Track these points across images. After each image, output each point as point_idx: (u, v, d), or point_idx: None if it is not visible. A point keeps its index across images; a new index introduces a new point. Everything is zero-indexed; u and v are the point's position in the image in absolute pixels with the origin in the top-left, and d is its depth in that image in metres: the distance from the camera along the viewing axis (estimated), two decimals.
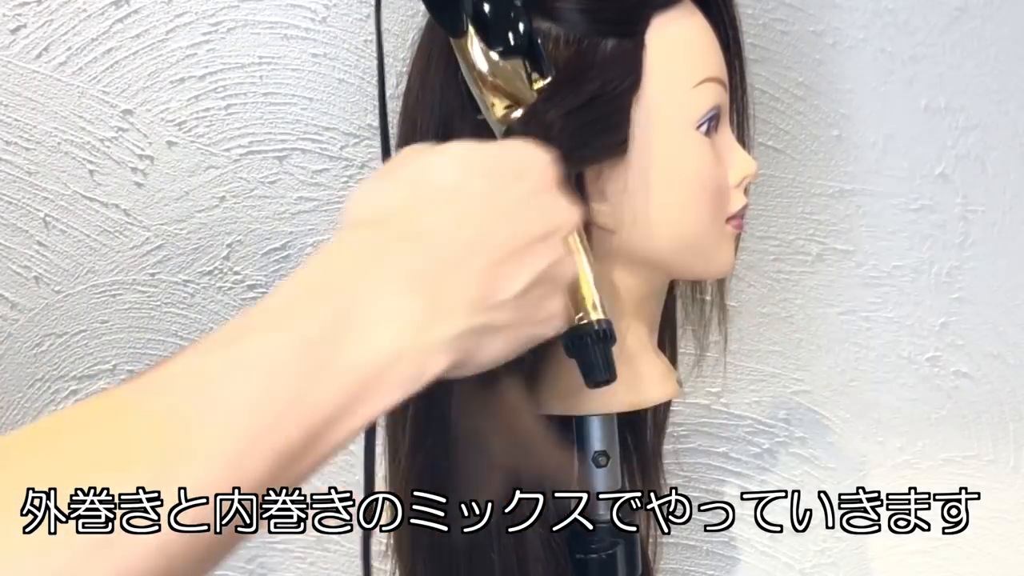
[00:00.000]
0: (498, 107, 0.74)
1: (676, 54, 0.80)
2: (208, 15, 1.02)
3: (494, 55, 0.74)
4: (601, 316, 0.70)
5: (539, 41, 0.75)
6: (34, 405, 1.06)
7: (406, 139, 0.84)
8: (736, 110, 0.88)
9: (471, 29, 0.74)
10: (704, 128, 0.81)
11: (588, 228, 0.80)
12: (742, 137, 0.89)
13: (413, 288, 0.55)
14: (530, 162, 0.62)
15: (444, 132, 0.81)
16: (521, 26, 0.74)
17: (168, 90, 1.03)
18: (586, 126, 0.77)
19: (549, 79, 0.75)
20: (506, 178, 0.61)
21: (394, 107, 1.01)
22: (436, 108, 0.80)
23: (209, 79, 1.03)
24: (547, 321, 0.62)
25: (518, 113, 0.74)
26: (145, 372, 0.51)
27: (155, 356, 1.06)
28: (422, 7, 0.99)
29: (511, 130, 0.74)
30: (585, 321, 0.70)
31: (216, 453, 0.49)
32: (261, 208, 1.05)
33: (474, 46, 0.74)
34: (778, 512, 1.17)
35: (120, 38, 1.01)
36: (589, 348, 0.70)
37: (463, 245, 0.57)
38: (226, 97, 1.03)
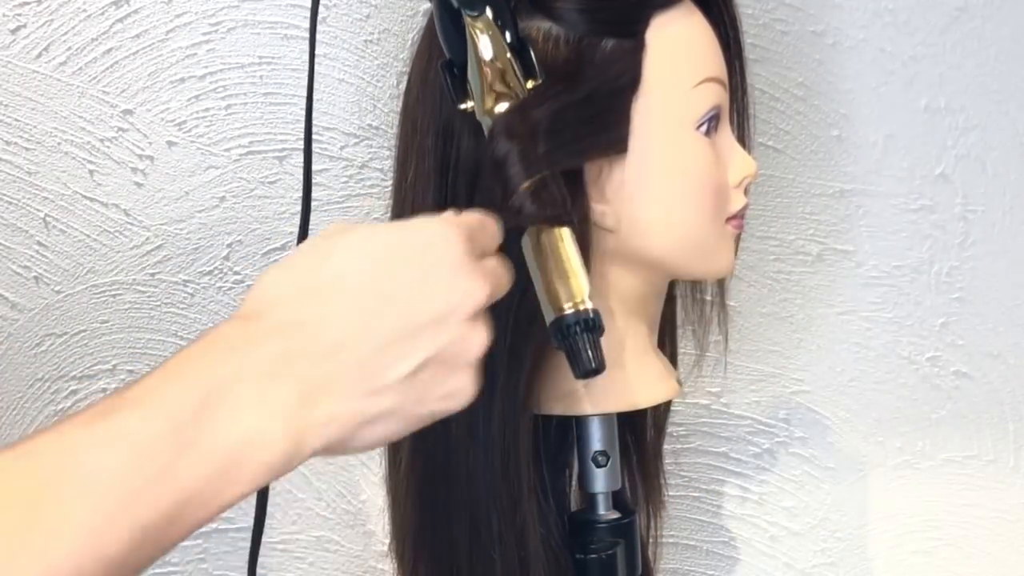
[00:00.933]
0: (488, 99, 0.74)
1: (676, 54, 0.80)
2: (208, 15, 1.02)
3: (502, 44, 0.74)
4: (588, 306, 0.70)
5: (528, 45, 0.75)
6: (34, 405, 1.06)
7: (406, 139, 0.84)
8: (736, 110, 0.88)
9: (488, 12, 0.74)
10: (704, 128, 0.81)
11: (588, 227, 0.80)
12: (742, 137, 0.89)
13: (280, 374, 0.57)
14: (431, 242, 0.62)
15: (444, 132, 0.81)
16: (512, 25, 0.74)
17: (168, 90, 1.03)
18: (578, 124, 0.77)
19: (539, 81, 0.75)
20: (402, 262, 0.61)
21: (394, 107, 1.01)
22: (436, 108, 0.80)
23: (209, 79, 1.03)
24: (446, 399, 0.62)
25: (503, 107, 0.74)
26: (20, 440, 0.53)
27: (155, 356, 1.06)
28: (422, 7, 0.99)
29: (495, 124, 0.74)
30: (572, 311, 0.70)
31: (77, 524, 0.50)
32: (261, 208, 1.05)
33: (485, 31, 0.74)
34: (778, 512, 1.18)
35: (120, 38, 1.01)
36: (576, 338, 0.69)
37: (342, 331, 0.59)
38: (226, 97, 1.03)
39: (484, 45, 0.74)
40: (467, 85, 0.76)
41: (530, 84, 0.75)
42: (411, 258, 0.61)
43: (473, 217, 0.65)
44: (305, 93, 1.03)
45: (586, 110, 0.77)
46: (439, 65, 0.77)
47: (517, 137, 0.73)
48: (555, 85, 0.76)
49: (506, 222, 0.72)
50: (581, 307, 0.70)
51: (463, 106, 0.76)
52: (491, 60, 0.74)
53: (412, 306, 0.60)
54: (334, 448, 0.59)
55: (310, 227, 1.05)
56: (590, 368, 0.69)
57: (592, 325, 0.70)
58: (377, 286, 0.60)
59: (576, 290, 0.70)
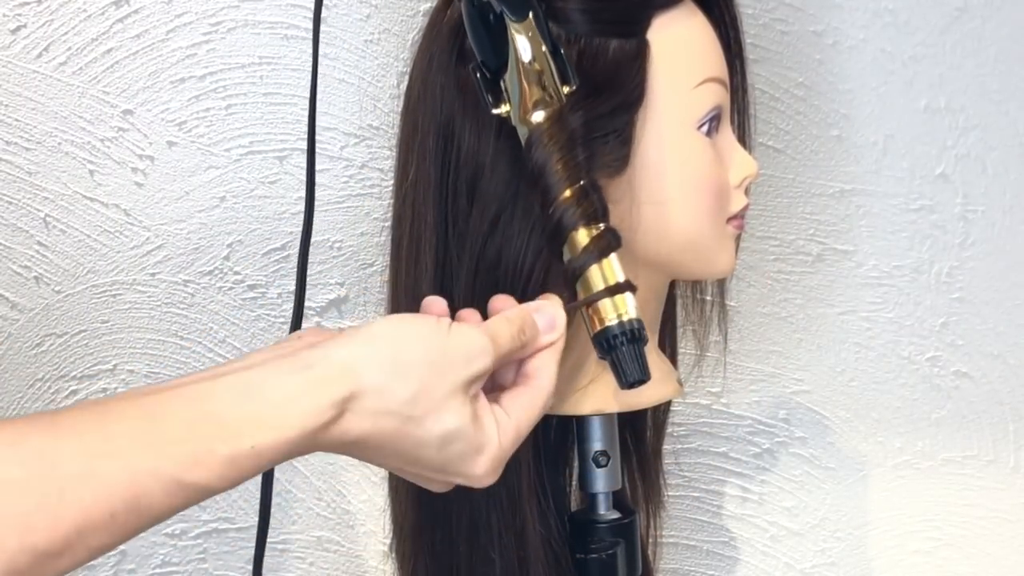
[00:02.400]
0: (527, 104, 0.74)
1: (677, 54, 0.80)
2: (208, 15, 1.02)
3: (541, 46, 0.73)
4: (633, 315, 0.71)
5: (561, 49, 0.75)
6: (34, 405, 1.06)
7: (407, 138, 0.84)
8: (737, 110, 0.88)
9: (531, 16, 0.73)
10: (705, 128, 0.81)
11: None
12: (743, 137, 0.89)
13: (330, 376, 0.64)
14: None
15: (445, 132, 0.81)
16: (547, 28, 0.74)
17: (168, 90, 1.03)
18: (603, 136, 0.77)
19: (574, 87, 0.75)
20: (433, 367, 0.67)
21: (394, 107, 1.01)
22: (437, 108, 0.80)
23: (209, 79, 1.03)
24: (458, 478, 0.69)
25: (539, 116, 0.74)
26: None
27: (155, 356, 1.06)
28: (422, 7, 0.99)
29: (533, 131, 0.73)
30: (616, 322, 0.71)
31: None
32: (261, 208, 1.05)
33: (524, 33, 0.74)
34: (778, 512, 1.18)
35: (120, 38, 1.01)
36: (622, 349, 0.71)
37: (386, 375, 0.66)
38: (226, 97, 1.03)
39: (523, 47, 0.74)
40: (502, 89, 0.75)
41: (566, 89, 0.75)
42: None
43: (512, 330, 0.69)
44: (307, 93, 1.04)
45: (608, 122, 0.77)
46: (471, 68, 0.77)
47: (557, 144, 0.73)
48: (586, 94, 0.76)
49: (545, 232, 0.72)
50: (625, 318, 0.71)
51: (497, 111, 0.76)
52: (530, 62, 0.74)
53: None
54: (356, 447, 0.64)
55: (312, 228, 1.06)
56: (636, 379, 0.70)
57: (637, 336, 0.71)
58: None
59: (620, 302, 0.71)
